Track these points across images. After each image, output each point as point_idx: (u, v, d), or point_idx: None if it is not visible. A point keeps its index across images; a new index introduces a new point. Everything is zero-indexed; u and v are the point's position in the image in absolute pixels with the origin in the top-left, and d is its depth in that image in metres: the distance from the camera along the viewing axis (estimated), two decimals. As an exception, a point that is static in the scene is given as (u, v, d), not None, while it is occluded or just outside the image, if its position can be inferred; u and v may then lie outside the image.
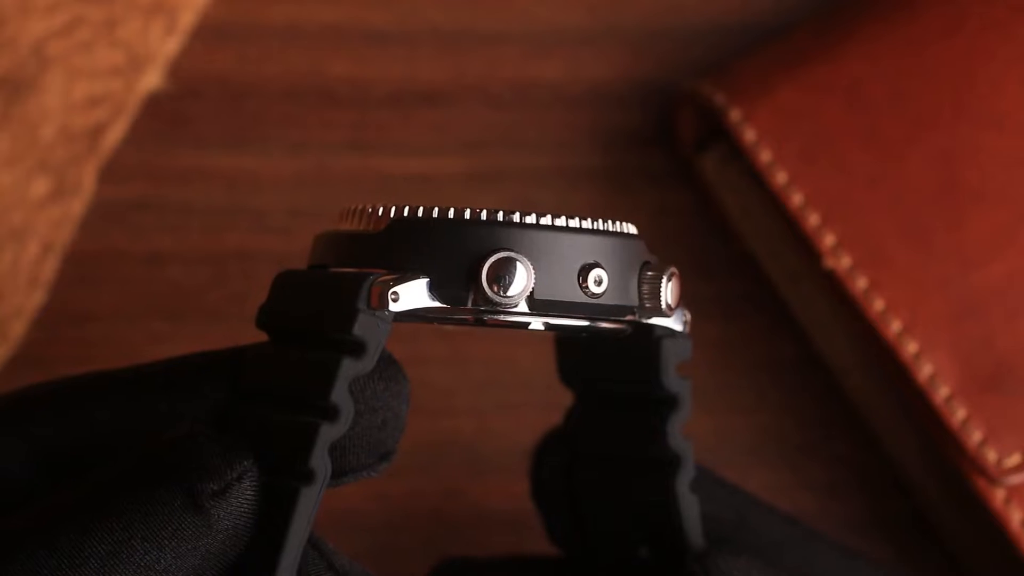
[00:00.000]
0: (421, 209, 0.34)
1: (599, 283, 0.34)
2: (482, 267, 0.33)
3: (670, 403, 0.38)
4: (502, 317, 0.34)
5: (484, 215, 0.34)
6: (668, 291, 0.35)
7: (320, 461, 0.33)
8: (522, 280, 0.33)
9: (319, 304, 0.34)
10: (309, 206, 0.52)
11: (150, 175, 0.53)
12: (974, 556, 0.50)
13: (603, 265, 0.34)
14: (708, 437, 0.51)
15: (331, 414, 0.33)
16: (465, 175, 0.53)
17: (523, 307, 0.34)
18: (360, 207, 0.35)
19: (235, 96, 0.53)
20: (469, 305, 0.34)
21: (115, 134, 0.52)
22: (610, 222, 0.35)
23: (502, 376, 0.52)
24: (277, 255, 0.52)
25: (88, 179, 0.52)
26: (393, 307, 0.33)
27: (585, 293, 0.34)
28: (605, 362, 0.39)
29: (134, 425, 0.35)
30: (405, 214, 0.34)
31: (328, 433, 0.33)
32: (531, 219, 0.34)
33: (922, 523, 0.51)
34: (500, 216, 0.34)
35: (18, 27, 0.52)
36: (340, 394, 0.33)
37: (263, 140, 0.53)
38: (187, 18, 0.53)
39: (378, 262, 0.34)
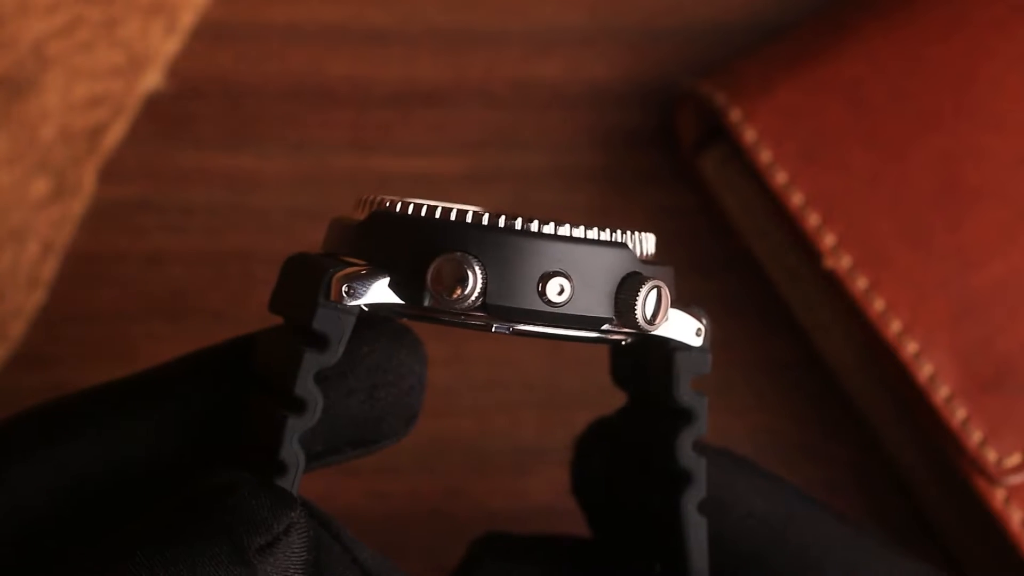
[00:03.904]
0: (399, 204, 0.34)
1: (560, 292, 0.33)
2: (428, 267, 0.33)
3: (683, 417, 0.37)
4: (447, 319, 0.33)
5: (439, 214, 0.34)
6: (646, 304, 0.34)
7: (290, 452, 0.33)
8: (467, 284, 0.33)
9: (295, 293, 0.34)
10: (309, 206, 0.52)
11: (150, 175, 0.53)
12: (974, 556, 0.50)
13: (566, 274, 0.34)
14: (707, 437, 0.51)
15: (297, 407, 0.33)
16: (465, 175, 0.53)
17: (481, 311, 0.33)
18: (367, 197, 0.35)
19: (235, 96, 0.53)
20: (426, 304, 0.33)
21: (115, 134, 0.52)
22: (591, 229, 0.34)
23: (502, 376, 0.52)
24: (277, 255, 0.51)
25: (88, 179, 0.52)
26: (350, 301, 0.33)
27: (543, 300, 0.33)
28: (642, 368, 0.38)
29: (159, 431, 0.35)
30: (385, 207, 0.34)
31: (296, 425, 0.33)
32: (487, 221, 0.33)
33: (922, 523, 0.51)
34: (454, 216, 0.33)
35: (18, 27, 0.52)
36: (304, 387, 0.33)
37: (263, 140, 0.53)
38: (187, 18, 0.53)
39: (358, 253, 0.34)
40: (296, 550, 0.33)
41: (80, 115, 0.52)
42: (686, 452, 0.37)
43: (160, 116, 0.53)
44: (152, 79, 0.53)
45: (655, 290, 0.34)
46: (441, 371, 0.52)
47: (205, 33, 0.53)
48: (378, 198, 0.34)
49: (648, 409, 0.38)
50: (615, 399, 0.40)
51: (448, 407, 0.51)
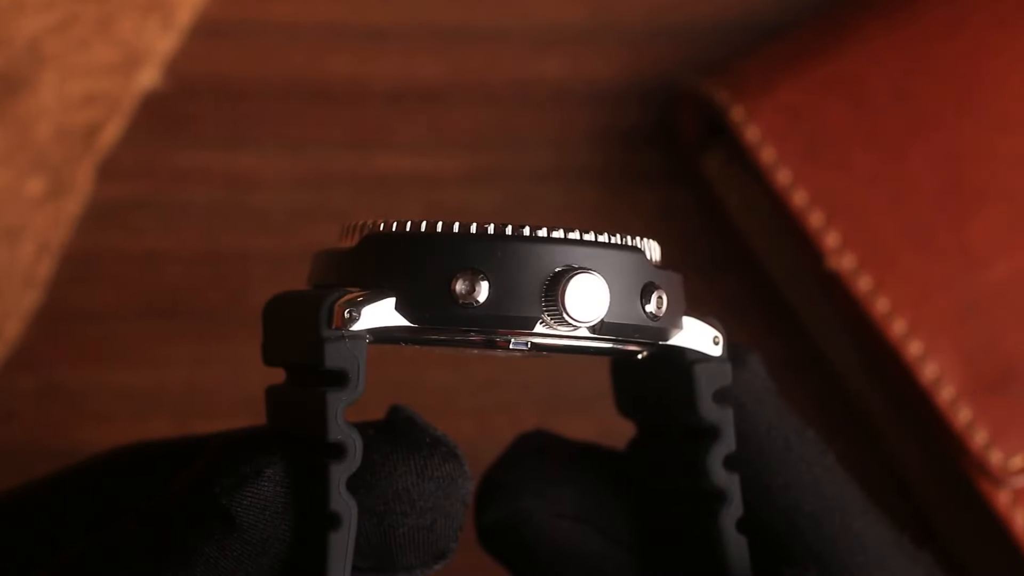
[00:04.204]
0: (395, 224, 0.33)
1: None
2: (439, 284, 0.32)
3: (710, 433, 0.35)
4: (460, 339, 0.32)
5: (440, 228, 0.32)
6: (567, 298, 0.32)
7: (341, 502, 0.32)
8: (479, 296, 0.32)
9: (294, 333, 0.33)
10: (308, 205, 0.52)
11: (147, 174, 0.52)
12: (975, 557, 0.50)
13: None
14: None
15: (335, 453, 0.32)
16: (465, 174, 0.53)
17: (494, 325, 0.32)
18: (351, 224, 0.33)
19: (233, 94, 0.53)
20: (440, 322, 0.32)
21: (111, 133, 0.52)
22: (602, 234, 0.33)
23: (502, 376, 0.52)
24: (275, 255, 0.52)
25: (84, 178, 0.52)
26: (356, 326, 0.32)
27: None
28: (653, 391, 0.36)
29: None
30: (379, 229, 0.33)
31: (340, 471, 0.32)
32: (494, 231, 0.32)
33: (923, 524, 0.51)
34: (456, 228, 0.32)
35: (13, 24, 0.52)
36: (337, 430, 0.32)
37: (261, 139, 0.53)
38: (184, 15, 0.53)
39: (352, 280, 0.33)
40: (266, 489, 0.32)
41: (76, 113, 0.52)
42: (717, 471, 0.35)
43: (157, 114, 0.53)
44: (149, 77, 0.53)
45: (576, 276, 0.32)
46: (441, 371, 0.52)
47: (202, 31, 0.53)
48: (367, 222, 0.33)
49: (665, 433, 0.36)
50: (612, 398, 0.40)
51: (448, 407, 0.51)
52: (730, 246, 0.52)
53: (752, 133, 0.49)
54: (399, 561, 0.33)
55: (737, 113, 0.49)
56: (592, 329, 0.32)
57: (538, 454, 0.37)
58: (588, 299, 0.32)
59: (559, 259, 0.32)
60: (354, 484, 0.32)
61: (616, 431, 0.38)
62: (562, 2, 0.54)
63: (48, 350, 0.51)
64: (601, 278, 0.32)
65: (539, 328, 0.32)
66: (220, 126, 0.53)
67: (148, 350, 0.51)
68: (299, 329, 0.32)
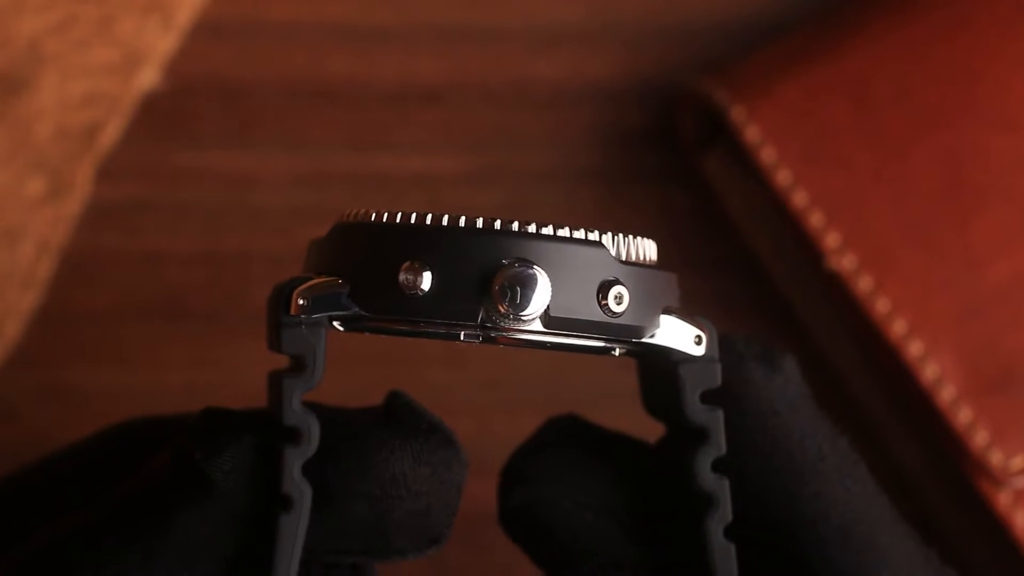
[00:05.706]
0: (360, 213, 0.33)
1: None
2: (387, 274, 0.32)
3: (698, 436, 0.34)
4: (415, 329, 0.32)
5: (399, 219, 0.32)
6: (502, 291, 0.32)
7: (294, 486, 0.32)
8: (426, 287, 0.32)
9: (268, 320, 0.33)
10: (307, 206, 0.52)
11: (147, 174, 0.52)
12: (976, 558, 0.50)
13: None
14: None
15: (290, 436, 0.32)
16: (465, 174, 0.53)
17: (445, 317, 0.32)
18: (340, 213, 0.34)
19: (233, 94, 0.53)
20: (388, 312, 0.32)
21: (111, 133, 0.52)
22: (562, 228, 0.32)
23: (502, 376, 0.52)
24: (275, 255, 0.52)
25: (84, 178, 0.52)
26: (312, 314, 0.32)
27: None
28: (655, 391, 0.36)
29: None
30: (346, 219, 0.33)
31: (293, 455, 0.32)
32: (447, 222, 0.32)
33: (923, 525, 0.51)
34: (413, 219, 0.32)
35: (13, 24, 0.52)
36: (291, 415, 0.32)
37: (261, 139, 0.53)
38: (184, 15, 0.53)
39: (326, 268, 0.33)
40: (246, 457, 0.33)
41: (76, 113, 0.52)
42: (705, 474, 0.34)
43: (157, 115, 0.53)
44: (148, 77, 0.53)
45: (520, 270, 0.32)
46: (441, 371, 0.52)
47: (202, 31, 0.53)
48: (345, 212, 0.33)
49: (674, 433, 0.36)
50: (615, 399, 0.40)
51: (448, 407, 0.51)
52: (730, 246, 0.52)
53: (752, 133, 0.49)
54: (393, 545, 0.33)
55: (737, 113, 0.49)
56: (543, 323, 0.32)
57: (566, 440, 0.37)
58: (524, 293, 0.32)
59: (506, 252, 0.32)
60: (350, 467, 0.33)
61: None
62: (562, 2, 0.54)
63: (48, 350, 0.51)
64: (541, 272, 0.32)
65: (482, 320, 0.32)
66: (220, 126, 0.53)
67: (148, 350, 0.51)
68: (270, 316, 0.33)
